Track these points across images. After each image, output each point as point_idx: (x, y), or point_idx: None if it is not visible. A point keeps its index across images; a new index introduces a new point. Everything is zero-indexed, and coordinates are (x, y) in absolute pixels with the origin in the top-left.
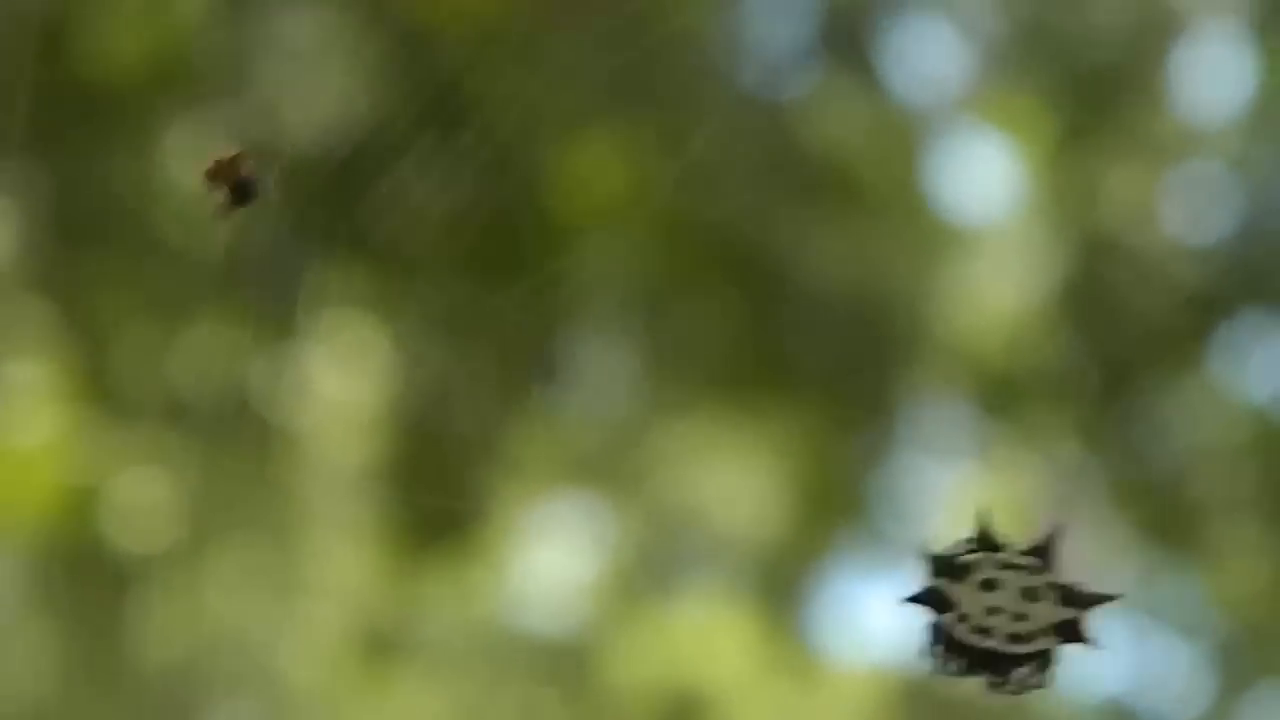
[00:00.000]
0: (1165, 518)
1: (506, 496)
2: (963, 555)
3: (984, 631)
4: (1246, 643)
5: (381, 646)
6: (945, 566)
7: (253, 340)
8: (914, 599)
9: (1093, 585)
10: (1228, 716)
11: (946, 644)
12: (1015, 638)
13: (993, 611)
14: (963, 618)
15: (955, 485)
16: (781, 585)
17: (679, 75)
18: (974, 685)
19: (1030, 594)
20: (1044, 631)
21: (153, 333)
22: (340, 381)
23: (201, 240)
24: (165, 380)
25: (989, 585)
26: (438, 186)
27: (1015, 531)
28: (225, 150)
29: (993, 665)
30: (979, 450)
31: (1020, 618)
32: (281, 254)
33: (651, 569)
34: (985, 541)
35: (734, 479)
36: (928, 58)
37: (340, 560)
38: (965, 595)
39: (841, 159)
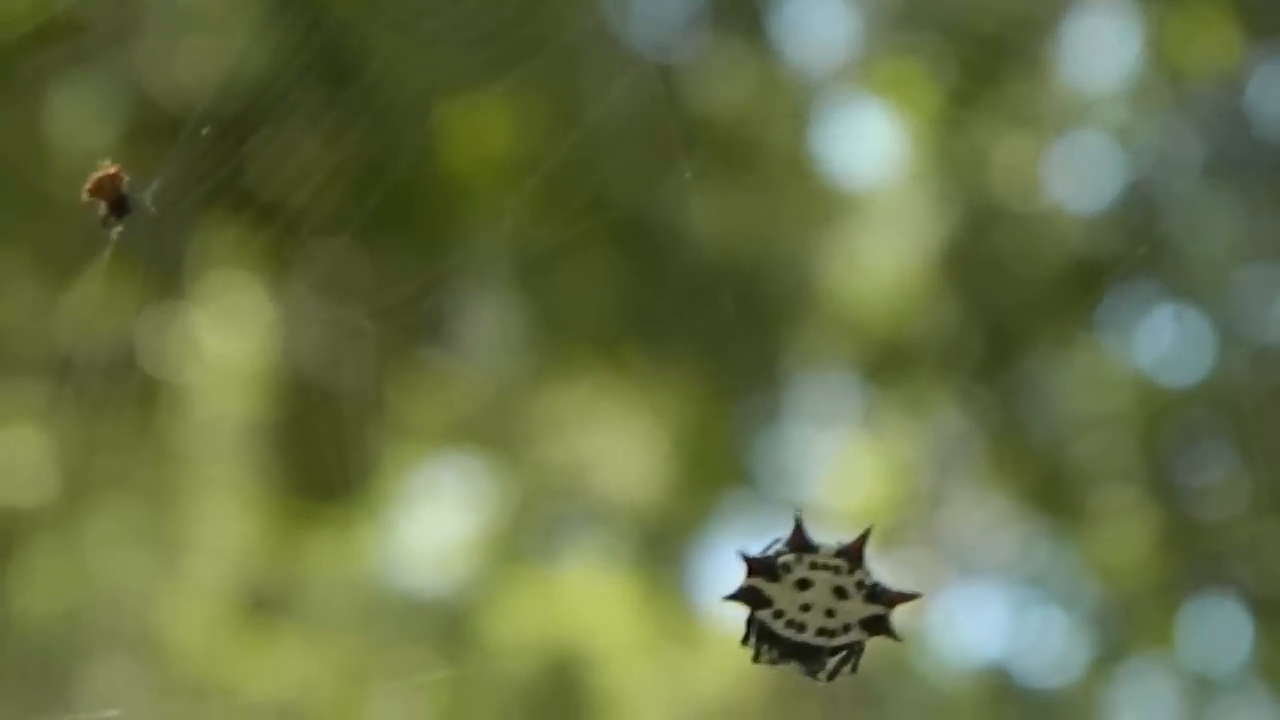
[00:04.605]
0: (1045, 485)
1: (391, 457)
2: (779, 557)
3: (798, 626)
4: (1123, 611)
5: (264, 605)
6: (762, 567)
7: (138, 297)
8: (733, 597)
9: (896, 586)
10: (1103, 683)
11: (764, 637)
12: (825, 632)
13: (805, 608)
14: (778, 614)
15: (838, 450)
16: (664, 548)
17: (568, 35)
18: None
19: (840, 592)
20: (853, 626)
21: (37, 288)
22: (226, 340)
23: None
24: (49, 336)
25: (803, 584)
26: (324, 145)
27: (827, 534)
28: (105, 168)
29: (806, 656)
30: (862, 416)
31: (830, 614)
32: (167, 211)
33: (535, 531)
34: (799, 543)
35: (617, 442)
36: (816, 23)
37: (223, 519)
38: (780, 593)
39: (729, 122)
